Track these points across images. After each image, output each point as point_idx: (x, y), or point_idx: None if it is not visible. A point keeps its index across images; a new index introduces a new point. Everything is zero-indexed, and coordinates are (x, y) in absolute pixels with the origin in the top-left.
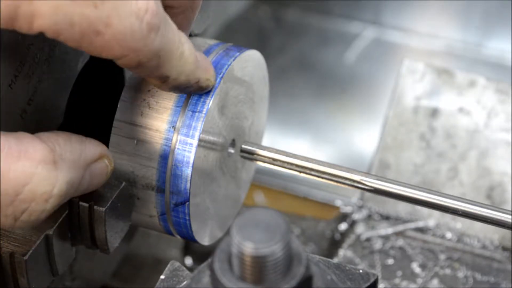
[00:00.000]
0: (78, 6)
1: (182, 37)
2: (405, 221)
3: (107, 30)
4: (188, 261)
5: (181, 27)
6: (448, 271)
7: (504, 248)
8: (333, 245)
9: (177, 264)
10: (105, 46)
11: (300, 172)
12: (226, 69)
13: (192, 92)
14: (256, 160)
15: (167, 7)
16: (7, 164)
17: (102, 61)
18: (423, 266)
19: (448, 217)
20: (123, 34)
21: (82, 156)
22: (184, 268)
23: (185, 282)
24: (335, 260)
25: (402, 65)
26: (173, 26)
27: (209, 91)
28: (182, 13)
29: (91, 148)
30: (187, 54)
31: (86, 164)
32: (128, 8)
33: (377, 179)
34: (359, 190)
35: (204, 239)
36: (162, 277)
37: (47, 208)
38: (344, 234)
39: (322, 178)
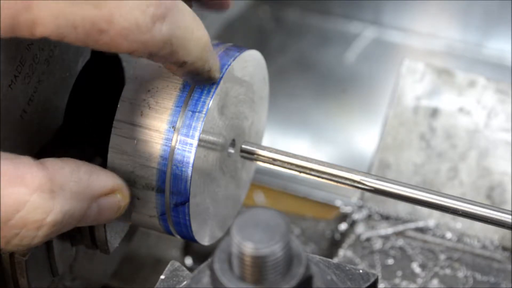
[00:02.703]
0: (78, 8)
1: (198, 22)
2: (405, 221)
3: (111, 28)
4: (188, 261)
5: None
6: (448, 271)
7: (504, 248)
8: (333, 245)
9: (177, 264)
10: (111, 42)
11: (300, 172)
12: (226, 69)
13: (200, 81)
14: (256, 160)
15: None
16: (2, 188)
17: (102, 61)
18: (423, 266)
19: (448, 217)
20: (128, 29)
21: (89, 188)
22: (184, 268)
23: (185, 282)
24: (335, 260)
25: (402, 65)
26: (186, 11)
27: (209, 91)
28: None
29: (102, 180)
30: (204, 40)
31: (92, 197)
32: (131, 3)
33: (377, 179)
34: (359, 190)
35: (204, 239)
36: (162, 277)
37: (39, 235)
38: (344, 234)
39: (322, 178)
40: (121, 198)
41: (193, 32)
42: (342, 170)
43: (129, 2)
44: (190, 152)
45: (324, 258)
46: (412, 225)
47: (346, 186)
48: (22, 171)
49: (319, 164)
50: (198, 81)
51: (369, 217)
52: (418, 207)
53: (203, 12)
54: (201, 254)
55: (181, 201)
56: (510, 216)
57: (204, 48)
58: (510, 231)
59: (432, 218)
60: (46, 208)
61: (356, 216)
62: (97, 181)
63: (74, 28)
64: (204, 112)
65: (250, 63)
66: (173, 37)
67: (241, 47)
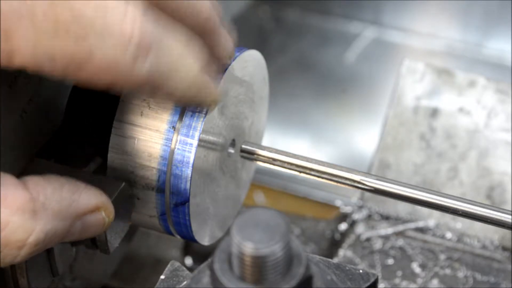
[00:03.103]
0: (58, 42)
1: (187, 53)
2: (405, 221)
3: (90, 64)
4: (188, 261)
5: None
6: (448, 271)
7: (504, 248)
8: (333, 245)
9: (177, 264)
10: (90, 78)
11: (300, 172)
12: (226, 69)
13: (196, 107)
14: (256, 160)
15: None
16: None
17: None
18: (423, 266)
19: (448, 217)
20: (107, 67)
21: (71, 207)
22: (184, 268)
23: (185, 282)
24: (335, 260)
25: (402, 65)
26: (173, 43)
27: None
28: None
29: (85, 198)
30: (193, 73)
31: (76, 215)
32: (111, 39)
33: (377, 179)
34: (359, 190)
35: (204, 239)
36: (162, 277)
37: (21, 254)
38: (344, 234)
39: (322, 178)
40: (106, 214)
41: (180, 66)
42: (342, 170)
43: (110, 36)
44: (190, 152)
45: (324, 258)
46: (412, 225)
47: (346, 186)
48: (4, 192)
49: (319, 164)
50: (193, 108)
51: (369, 217)
52: (418, 207)
53: None
54: (201, 254)
55: (181, 201)
56: (510, 216)
57: (193, 81)
58: (510, 231)
59: (432, 218)
60: (28, 228)
61: (356, 216)
62: (81, 199)
63: (51, 61)
64: (204, 112)
65: (250, 63)
66: (156, 74)
67: (241, 47)
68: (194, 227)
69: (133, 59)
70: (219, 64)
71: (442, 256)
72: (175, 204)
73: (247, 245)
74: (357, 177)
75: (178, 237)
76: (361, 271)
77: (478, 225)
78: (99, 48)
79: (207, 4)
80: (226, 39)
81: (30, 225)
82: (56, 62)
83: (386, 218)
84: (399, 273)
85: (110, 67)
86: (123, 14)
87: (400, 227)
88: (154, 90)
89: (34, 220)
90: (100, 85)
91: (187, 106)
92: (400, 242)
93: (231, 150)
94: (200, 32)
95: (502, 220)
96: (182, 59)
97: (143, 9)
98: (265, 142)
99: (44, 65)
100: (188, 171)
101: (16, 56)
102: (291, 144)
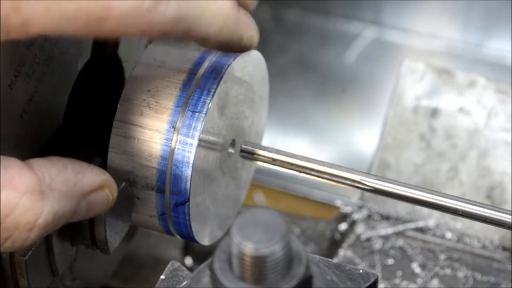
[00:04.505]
0: (70, 0)
1: None
2: (405, 221)
3: (110, 15)
4: (188, 261)
5: None
6: (448, 271)
7: (504, 248)
8: (333, 245)
9: (177, 264)
10: (115, 30)
11: (300, 172)
12: (226, 69)
13: (236, 51)
14: (256, 160)
15: None
16: None
17: (102, 61)
18: (423, 266)
19: (448, 217)
20: (128, 14)
21: (77, 186)
22: (184, 268)
23: (185, 282)
24: (335, 260)
25: (402, 65)
26: None
27: (209, 91)
28: None
29: (89, 177)
30: (224, 9)
31: (81, 195)
32: None
33: (377, 179)
34: (359, 190)
35: (204, 239)
36: (162, 277)
37: (31, 236)
38: (344, 234)
39: (322, 178)
40: (110, 192)
41: (208, 3)
42: (342, 170)
43: None
44: (190, 152)
45: (324, 258)
46: (412, 225)
47: (346, 186)
48: (10, 174)
49: (319, 164)
50: (233, 53)
51: (369, 217)
52: (418, 207)
53: None
54: (201, 254)
55: (181, 201)
56: (510, 216)
57: (226, 18)
58: (510, 231)
59: (432, 218)
60: (36, 210)
61: (356, 216)
62: (85, 178)
63: (69, 21)
64: (204, 112)
65: (250, 63)
66: (183, 14)
67: None
68: (194, 227)
69: (153, 4)
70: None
71: (442, 256)
72: (175, 204)
73: (247, 245)
74: (357, 177)
75: (178, 237)
76: (361, 271)
77: (478, 225)
78: None
79: None
80: None
81: (39, 206)
82: (74, 21)
83: (386, 218)
84: (399, 273)
85: (131, 14)
86: None
87: (400, 227)
88: (187, 31)
89: (42, 201)
90: (128, 35)
91: (225, 51)
92: (400, 242)
93: (231, 150)
94: None
95: (502, 220)
96: None
97: None
98: (265, 142)
99: (63, 27)
100: (188, 171)
101: (31, 25)
102: (291, 144)
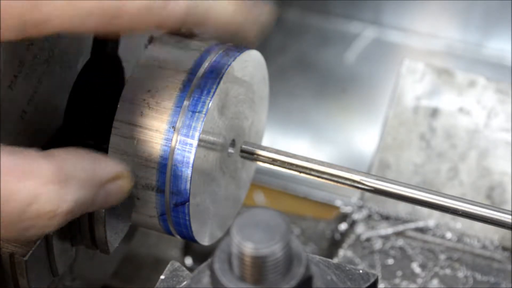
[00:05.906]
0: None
1: None
2: (405, 221)
3: (123, 12)
4: (188, 261)
5: None
6: (448, 271)
7: (504, 248)
8: (333, 245)
9: (177, 264)
10: (128, 26)
11: (300, 172)
12: (226, 69)
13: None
14: (256, 160)
15: None
16: (12, 184)
17: (102, 61)
18: (423, 266)
19: (448, 217)
20: (140, 13)
21: (95, 175)
22: (184, 268)
23: (185, 282)
24: (335, 260)
25: (402, 65)
26: None
27: (209, 91)
28: None
29: (106, 167)
30: (233, 4)
31: (99, 183)
32: None
33: (377, 179)
34: (359, 190)
35: (204, 239)
36: (162, 277)
37: (53, 224)
38: (344, 234)
39: (322, 178)
40: (126, 182)
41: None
42: (342, 170)
43: None
44: (190, 152)
45: (324, 258)
46: (412, 225)
47: (346, 186)
48: (31, 164)
49: (319, 164)
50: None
51: (369, 217)
52: (418, 207)
53: None
54: (201, 254)
55: (181, 201)
56: (510, 216)
57: (234, 12)
58: (510, 231)
59: (432, 218)
60: (57, 199)
61: (356, 216)
62: (102, 168)
63: (84, 19)
64: (204, 112)
65: (250, 63)
66: (194, 9)
67: (241, 47)
68: (194, 227)
69: (163, 1)
70: None
71: (442, 256)
72: (175, 204)
73: (247, 245)
74: (357, 177)
75: (178, 237)
76: (361, 271)
77: (478, 225)
78: None
79: None
80: None
81: (60, 195)
82: (89, 19)
83: (386, 218)
84: (399, 273)
85: (143, 12)
86: None
87: (400, 227)
88: (197, 25)
89: (63, 189)
90: (140, 31)
91: (237, 40)
92: (400, 242)
93: (231, 150)
94: None
95: (502, 220)
96: None
97: None
98: (265, 142)
99: (78, 25)
100: (188, 171)
101: (49, 24)
102: (291, 144)
